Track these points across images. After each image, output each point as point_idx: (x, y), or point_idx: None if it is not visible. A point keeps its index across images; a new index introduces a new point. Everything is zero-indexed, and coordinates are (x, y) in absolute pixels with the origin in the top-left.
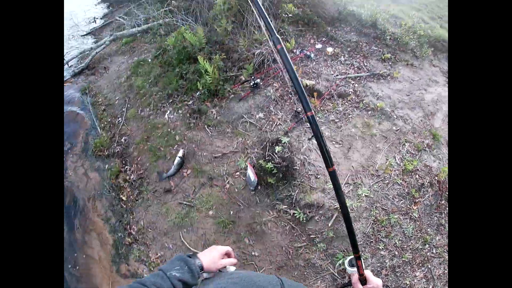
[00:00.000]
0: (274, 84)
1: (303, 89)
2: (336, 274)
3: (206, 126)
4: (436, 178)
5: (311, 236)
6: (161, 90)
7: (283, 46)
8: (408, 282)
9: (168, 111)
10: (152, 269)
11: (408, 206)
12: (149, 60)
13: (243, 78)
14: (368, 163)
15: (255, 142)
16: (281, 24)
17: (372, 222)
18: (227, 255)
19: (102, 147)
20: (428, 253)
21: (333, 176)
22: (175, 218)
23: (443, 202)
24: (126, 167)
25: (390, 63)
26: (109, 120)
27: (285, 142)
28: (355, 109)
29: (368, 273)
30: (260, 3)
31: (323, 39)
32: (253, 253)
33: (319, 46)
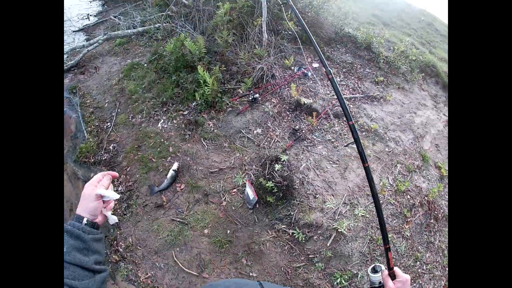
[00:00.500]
0: (272, 100)
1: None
2: None
3: (202, 138)
4: (426, 198)
5: (309, 256)
6: (155, 97)
7: (333, 77)
8: None
9: (162, 120)
10: None
11: (401, 225)
12: (144, 64)
13: (241, 92)
14: (364, 183)
15: (253, 158)
16: (280, 40)
17: (368, 241)
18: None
19: (88, 153)
20: (419, 270)
21: (367, 170)
22: (167, 236)
23: (432, 221)
24: None
25: (382, 85)
26: (97, 124)
27: (284, 160)
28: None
29: (396, 268)
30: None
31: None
32: (251, 274)
33: (316, 65)
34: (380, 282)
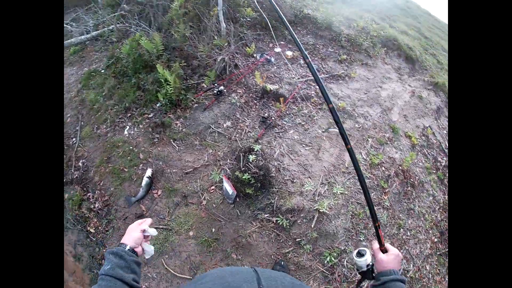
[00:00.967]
0: (238, 91)
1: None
2: (326, 272)
3: (171, 140)
4: (400, 167)
5: (296, 239)
6: (117, 104)
7: (310, 61)
8: None
9: (128, 127)
10: None
11: (380, 197)
12: (102, 71)
13: (206, 86)
14: (338, 161)
15: (226, 152)
16: (240, 28)
17: (350, 217)
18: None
19: None
20: (403, 236)
21: (351, 152)
22: (154, 245)
23: (409, 188)
24: (89, 194)
25: (346, 63)
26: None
27: (257, 150)
28: (319, 111)
29: (387, 244)
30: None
31: (282, 42)
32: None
33: (278, 50)
34: (368, 265)
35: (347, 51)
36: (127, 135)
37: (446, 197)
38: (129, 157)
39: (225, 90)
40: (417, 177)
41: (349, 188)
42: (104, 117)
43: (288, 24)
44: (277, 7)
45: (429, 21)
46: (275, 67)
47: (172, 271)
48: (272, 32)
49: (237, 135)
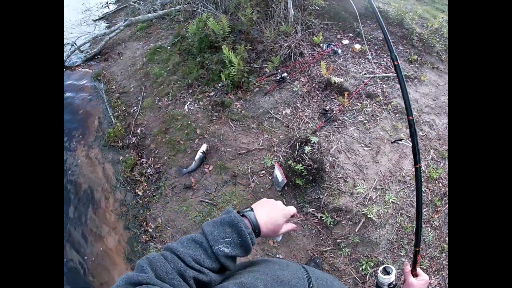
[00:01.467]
0: (301, 79)
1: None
2: (358, 279)
3: (229, 120)
4: None
5: (337, 240)
6: (180, 79)
7: (399, 63)
8: None
9: (188, 102)
10: None
11: (430, 214)
12: (167, 47)
13: (269, 71)
14: (396, 168)
15: (282, 140)
16: (308, 16)
17: (397, 229)
18: (292, 216)
19: (116, 137)
20: (443, 262)
21: (418, 172)
22: (196, 217)
23: None
24: (143, 159)
25: (417, 65)
26: (124, 109)
27: (314, 142)
28: (383, 111)
29: (419, 269)
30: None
31: (350, 35)
32: (277, 256)
33: (346, 42)
34: (390, 284)
35: (418, 51)
36: (187, 110)
37: None
38: (186, 131)
39: (288, 77)
40: None
41: (402, 199)
42: (166, 91)
43: (381, 20)
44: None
45: None
46: (342, 59)
47: None
48: (360, 24)
49: (295, 124)
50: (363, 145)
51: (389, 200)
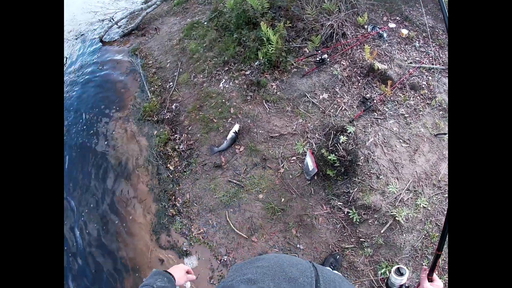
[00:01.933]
0: (342, 62)
1: None
2: (374, 282)
3: (264, 101)
4: None
5: (360, 239)
6: (216, 56)
7: None
8: None
9: (224, 80)
10: (192, 244)
11: None
12: (204, 23)
13: (308, 51)
14: (432, 171)
15: (317, 126)
16: None
17: (423, 236)
18: (188, 272)
19: (151, 112)
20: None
21: None
22: (223, 196)
23: None
24: (176, 135)
25: None
26: (160, 84)
27: (350, 132)
28: (426, 106)
29: (435, 275)
30: None
31: (397, 18)
32: (298, 246)
33: (392, 25)
34: (400, 286)
35: None
36: (221, 88)
37: None
38: (220, 109)
39: (328, 59)
40: None
41: (434, 205)
42: (202, 67)
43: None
44: None
45: None
46: (387, 44)
47: (232, 225)
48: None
49: (332, 111)
50: (401, 141)
51: (420, 204)
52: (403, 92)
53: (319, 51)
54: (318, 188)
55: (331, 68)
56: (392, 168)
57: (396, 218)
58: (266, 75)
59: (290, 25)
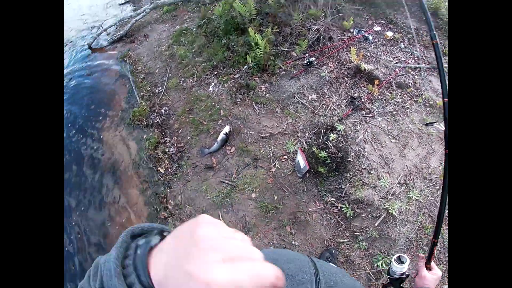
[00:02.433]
0: (329, 64)
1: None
2: (371, 275)
3: (253, 102)
4: None
5: (355, 233)
6: (205, 61)
7: (438, 42)
8: None
9: (213, 84)
10: None
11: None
12: (193, 29)
13: (295, 55)
14: (423, 164)
15: (307, 125)
16: (338, 0)
17: (417, 228)
18: None
19: (140, 116)
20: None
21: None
22: (215, 197)
23: None
24: (166, 138)
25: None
26: (149, 89)
27: (340, 130)
28: (413, 103)
29: (433, 263)
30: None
31: (382, 21)
32: (293, 242)
33: (377, 28)
34: (401, 274)
35: None
36: (211, 91)
37: None
38: (210, 112)
39: (315, 62)
40: None
41: (426, 197)
42: (191, 72)
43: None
44: None
45: None
46: (372, 46)
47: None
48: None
49: (321, 110)
50: (390, 137)
51: (412, 197)
52: (390, 90)
53: (307, 54)
54: (310, 185)
55: (319, 70)
56: (382, 163)
57: (389, 211)
58: (255, 78)
59: (278, 30)
